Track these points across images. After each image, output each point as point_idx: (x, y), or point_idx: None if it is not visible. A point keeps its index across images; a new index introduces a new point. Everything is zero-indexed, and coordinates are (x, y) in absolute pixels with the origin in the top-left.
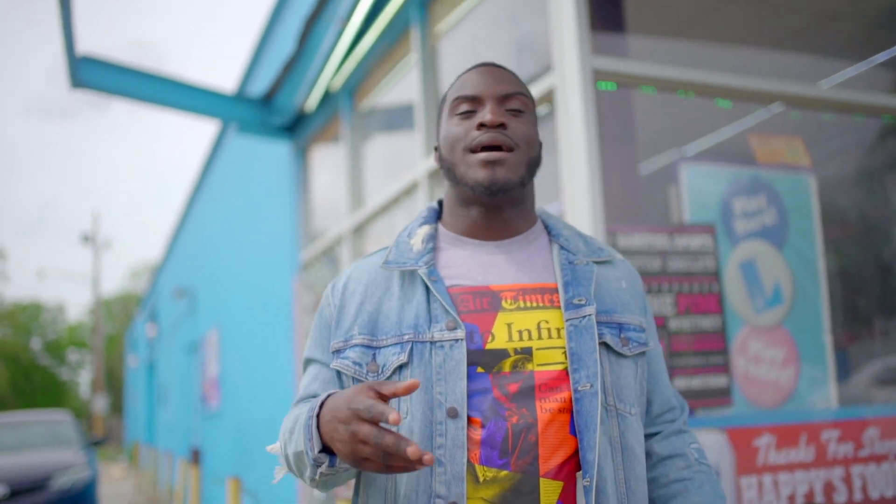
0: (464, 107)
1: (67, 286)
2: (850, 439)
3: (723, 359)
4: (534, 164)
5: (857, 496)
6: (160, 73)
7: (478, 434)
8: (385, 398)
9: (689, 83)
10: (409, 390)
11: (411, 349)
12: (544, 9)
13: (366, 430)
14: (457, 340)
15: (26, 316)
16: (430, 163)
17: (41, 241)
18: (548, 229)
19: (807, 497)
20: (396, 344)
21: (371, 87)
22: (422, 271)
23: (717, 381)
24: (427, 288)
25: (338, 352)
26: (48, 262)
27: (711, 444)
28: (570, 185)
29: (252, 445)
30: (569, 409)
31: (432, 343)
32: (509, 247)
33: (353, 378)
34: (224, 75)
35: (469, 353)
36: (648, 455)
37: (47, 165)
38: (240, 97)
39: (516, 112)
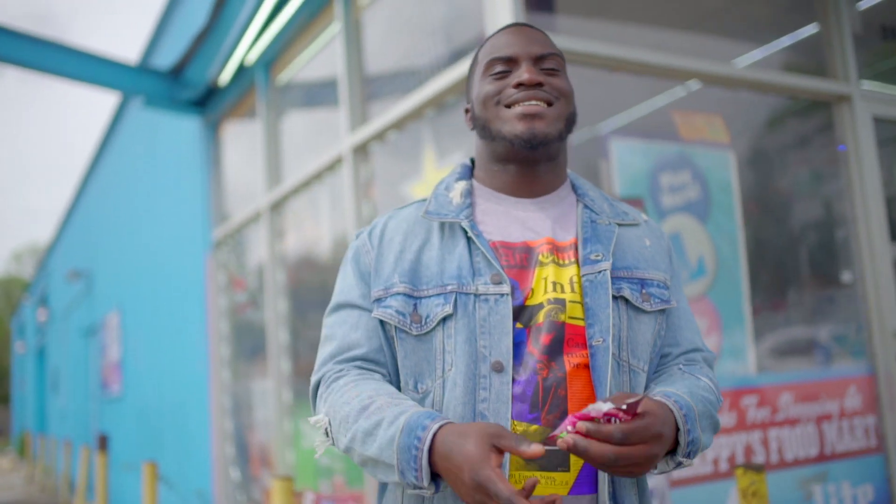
0: (498, 67)
1: None
2: (768, 404)
3: None
4: (571, 119)
5: (774, 458)
6: (54, 39)
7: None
8: (501, 452)
9: (612, 59)
10: (535, 457)
11: (455, 300)
12: None
13: None
14: (502, 295)
15: None
16: (356, 138)
17: None
18: (575, 189)
19: (730, 461)
20: (440, 294)
21: (289, 61)
22: (464, 223)
23: None
24: (468, 241)
25: (379, 300)
26: None
27: None
28: None
29: (161, 429)
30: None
31: (476, 296)
32: (543, 203)
33: (395, 327)
34: (129, 48)
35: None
36: None
37: None
38: (144, 69)
39: (552, 71)
